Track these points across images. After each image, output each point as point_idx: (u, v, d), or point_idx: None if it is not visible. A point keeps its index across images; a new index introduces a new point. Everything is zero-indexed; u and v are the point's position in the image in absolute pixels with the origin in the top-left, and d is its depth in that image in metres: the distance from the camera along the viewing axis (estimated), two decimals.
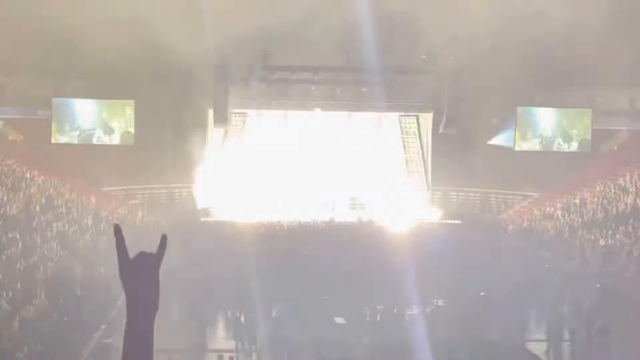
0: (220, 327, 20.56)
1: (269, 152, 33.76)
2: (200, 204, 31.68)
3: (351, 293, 20.53)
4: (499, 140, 34.97)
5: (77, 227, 24.37)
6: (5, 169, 27.27)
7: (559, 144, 34.31)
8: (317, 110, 34.10)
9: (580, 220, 27.05)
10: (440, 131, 34.16)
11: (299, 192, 32.80)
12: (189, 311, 18.94)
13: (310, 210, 31.80)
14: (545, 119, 34.44)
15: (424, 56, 31.86)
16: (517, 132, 34.27)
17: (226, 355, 17.71)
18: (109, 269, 18.56)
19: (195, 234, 26.50)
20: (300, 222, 30.35)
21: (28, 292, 17.25)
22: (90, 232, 24.42)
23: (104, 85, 32.50)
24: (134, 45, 31.83)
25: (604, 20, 28.73)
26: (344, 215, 31.60)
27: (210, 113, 33.39)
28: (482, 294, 20.97)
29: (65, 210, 25.66)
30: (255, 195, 32.38)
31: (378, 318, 19.67)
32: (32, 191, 25.89)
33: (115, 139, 33.43)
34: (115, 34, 29.79)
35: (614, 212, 26.24)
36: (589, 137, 33.89)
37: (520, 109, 34.34)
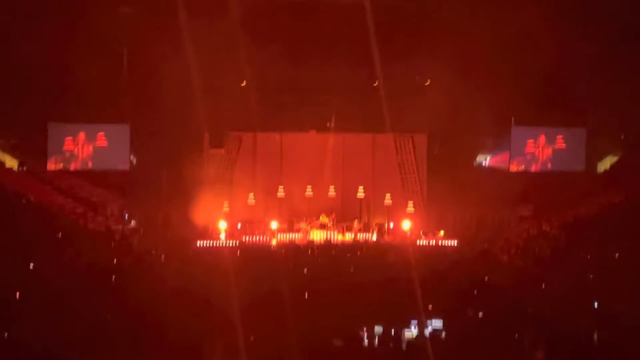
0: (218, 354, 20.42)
1: (264, 172, 33.85)
2: (197, 228, 31.66)
3: (348, 314, 20.46)
4: (494, 160, 35.20)
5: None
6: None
7: (553, 163, 34.44)
8: (313, 132, 34.32)
9: (576, 239, 27.14)
10: (435, 152, 34.42)
11: (295, 213, 32.87)
12: (184, 338, 18.79)
13: (305, 230, 31.88)
14: (540, 139, 34.59)
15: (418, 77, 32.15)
16: (511, 152, 34.41)
17: None
18: None
19: (192, 259, 26.46)
20: (296, 243, 30.50)
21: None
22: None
23: (99, 110, 32.58)
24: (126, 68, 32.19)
25: (597, 43, 29.03)
26: (340, 235, 31.69)
27: (206, 135, 33.58)
28: (479, 314, 20.93)
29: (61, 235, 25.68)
30: (252, 217, 32.47)
31: (376, 340, 19.63)
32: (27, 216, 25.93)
33: (111, 164, 33.42)
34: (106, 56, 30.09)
35: (611, 230, 26.35)
36: (583, 156, 34.03)
37: (514, 129, 34.51)
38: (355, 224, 32.29)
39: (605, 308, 19.79)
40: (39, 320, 17.61)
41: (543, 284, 23.82)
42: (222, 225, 31.78)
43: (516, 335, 19.93)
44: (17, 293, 18.77)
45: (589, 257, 24.71)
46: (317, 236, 31.61)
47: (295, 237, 31.60)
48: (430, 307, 20.76)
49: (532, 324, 20.71)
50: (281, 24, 32.63)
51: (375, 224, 32.80)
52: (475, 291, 22.82)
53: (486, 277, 24.10)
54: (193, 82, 31.15)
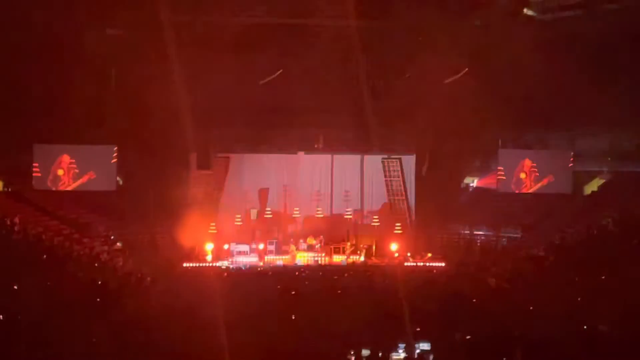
0: None
1: (251, 193, 33.80)
2: (183, 249, 31.48)
3: (335, 337, 20.32)
4: (482, 182, 35.31)
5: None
6: None
7: (541, 185, 34.55)
8: (301, 154, 34.34)
9: (564, 262, 27.11)
10: (423, 173, 34.51)
11: (283, 235, 32.80)
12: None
13: (293, 252, 31.77)
14: (526, 161, 34.71)
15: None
16: (498, 175, 34.51)
17: None
18: None
19: (178, 280, 26.28)
20: (284, 265, 30.39)
21: None
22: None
23: (85, 131, 32.42)
24: (114, 90, 32.11)
25: (581, 63, 29.21)
26: (328, 257, 31.59)
27: (193, 156, 33.53)
28: (467, 337, 20.82)
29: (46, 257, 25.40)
30: (239, 238, 32.36)
31: None
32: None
33: (98, 185, 33.22)
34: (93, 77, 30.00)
35: (598, 252, 26.34)
36: (570, 178, 34.18)
37: (502, 151, 34.64)
38: (348, 246, 32.22)
39: (593, 331, 19.73)
40: (23, 342, 17.39)
41: (531, 307, 23.76)
42: (209, 246, 31.64)
43: (504, 358, 19.86)
44: (1, 315, 18.52)
45: (577, 279, 24.67)
46: (305, 258, 31.49)
47: (283, 258, 31.48)
48: (417, 329, 20.67)
49: (520, 347, 20.64)
50: (269, 46, 32.71)
51: (363, 246, 32.74)
52: (463, 314, 22.74)
53: (474, 300, 24.03)
54: (180, 103, 31.13)
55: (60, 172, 32.92)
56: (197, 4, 31.38)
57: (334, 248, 32.14)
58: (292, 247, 31.98)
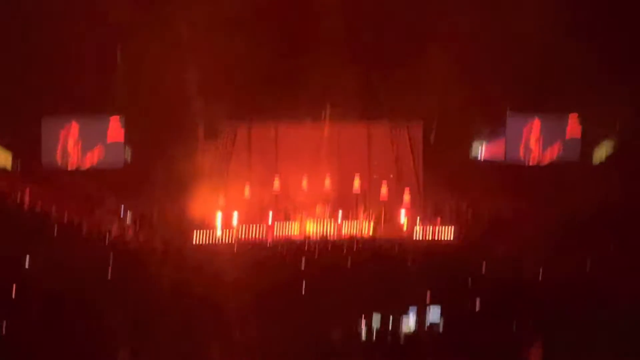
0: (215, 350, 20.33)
1: (259, 165, 33.77)
2: (192, 221, 31.58)
3: (345, 308, 20.43)
4: (491, 150, 35.10)
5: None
6: None
7: (551, 153, 34.37)
8: (307, 123, 34.20)
9: (572, 231, 27.07)
10: (431, 142, 34.37)
11: (291, 206, 32.83)
12: (181, 334, 18.73)
13: (301, 223, 31.85)
14: (536, 127, 34.48)
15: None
16: (508, 143, 34.32)
17: None
18: None
19: (187, 253, 26.40)
20: (292, 238, 30.49)
21: None
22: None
23: (93, 102, 32.37)
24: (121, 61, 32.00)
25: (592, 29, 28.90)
26: (336, 229, 31.67)
27: (201, 128, 33.46)
28: (477, 306, 20.90)
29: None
30: (248, 209, 32.42)
31: (373, 333, 19.61)
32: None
33: (107, 158, 33.21)
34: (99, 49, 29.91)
35: (609, 223, 26.30)
36: (578, 146, 33.95)
37: (510, 119, 34.39)
38: (362, 215, 32.29)
39: (603, 300, 19.74)
40: (35, 318, 17.53)
41: (540, 276, 23.79)
42: (218, 218, 31.72)
43: (514, 327, 19.93)
44: (13, 292, 18.67)
45: (587, 249, 24.66)
46: (313, 229, 31.55)
47: (291, 230, 31.52)
48: (427, 299, 20.74)
49: (530, 316, 20.70)
50: (276, 13, 32.46)
51: (372, 215, 32.75)
52: (472, 282, 22.80)
53: (483, 269, 24.09)
54: (187, 74, 31.03)
55: (70, 144, 32.90)
56: None
57: (343, 218, 32.16)
58: (300, 218, 32.07)
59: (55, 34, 29.25)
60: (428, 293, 20.78)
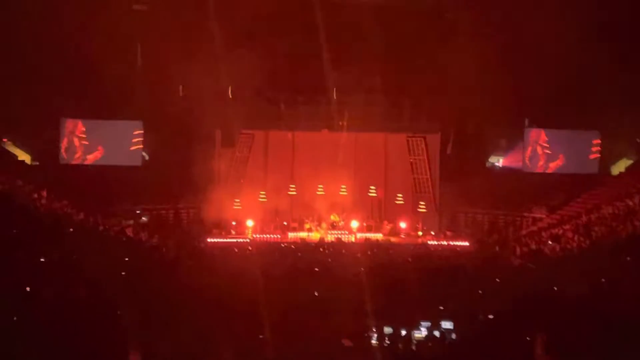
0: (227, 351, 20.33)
1: (276, 170, 33.83)
2: (207, 225, 31.71)
3: (357, 314, 20.37)
4: (507, 161, 35.05)
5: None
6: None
7: (567, 165, 34.23)
8: (325, 131, 34.26)
9: (588, 242, 26.91)
10: (448, 152, 34.33)
11: (306, 211, 32.83)
12: (194, 334, 18.76)
13: (316, 229, 31.88)
14: (553, 140, 34.37)
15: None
16: (524, 153, 34.23)
17: None
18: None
19: (202, 255, 26.47)
20: (307, 241, 30.52)
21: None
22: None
23: (112, 106, 32.59)
24: (140, 66, 32.22)
25: (612, 44, 28.81)
26: (351, 234, 31.66)
27: (218, 133, 33.63)
28: (490, 316, 20.79)
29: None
30: (263, 214, 32.48)
31: (385, 340, 19.52)
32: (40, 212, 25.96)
33: (124, 159, 33.44)
34: (120, 53, 30.11)
35: (625, 234, 26.11)
36: (597, 158, 33.81)
37: (528, 130, 34.32)
38: (385, 224, 32.28)
39: (618, 314, 19.55)
40: (48, 315, 17.61)
41: (555, 287, 23.65)
42: (233, 222, 31.84)
43: (527, 338, 19.76)
44: (27, 288, 18.78)
45: (602, 260, 24.48)
46: (328, 235, 31.59)
47: (306, 235, 31.58)
48: (440, 308, 20.64)
49: (543, 328, 20.50)
50: (294, 23, 32.59)
51: (386, 224, 32.74)
52: (486, 293, 22.68)
53: (497, 279, 23.97)
54: (206, 80, 31.21)
55: (87, 146, 33.10)
56: None
57: (358, 226, 32.15)
58: (316, 224, 32.12)
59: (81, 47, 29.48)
60: (440, 304, 20.72)
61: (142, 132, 33.30)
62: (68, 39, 29.50)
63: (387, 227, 32.49)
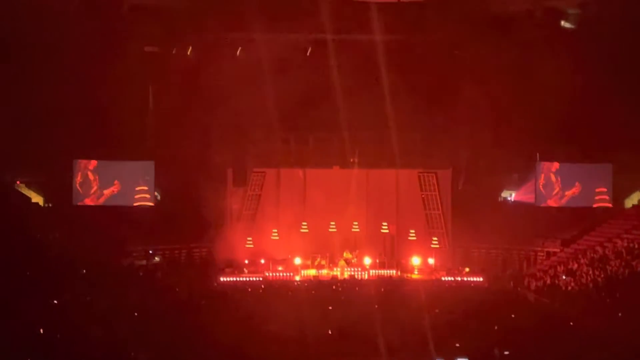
0: None
1: (288, 208, 33.83)
2: (220, 264, 31.67)
3: (373, 351, 20.22)
4: (519, 195, 34.92)
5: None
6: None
7: (580, 199, 34.04)
8: (336, 168, 34.33)
9: (603, 276, 26.67)
10: (459, 187, 34.27)
11: (319, 249, 32.72)
12: None
13: (329, 266, 31.76)
14: (566, 174, 34.25)
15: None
16: (537, 188, 34.10)
17: None
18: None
19: (215, 294, 26.41)
20: (320, 279, 30.38)
21: None
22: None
23: (125, 147, 32.74)
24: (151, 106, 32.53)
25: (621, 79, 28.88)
26: (364, 270, 31.51)
27: (230, 172, 33.74)
28: (505, 352, 20.58)
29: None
30: (275, 252, 32.41)
31: None
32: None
33: (136, 200, 33.55)
34: (132, 95, 30.42)
35: (638, 268, 25.88)
36: (610, 192, 33.66)
37: (539, 165, 34.24)
38: (398, 260, 32.21)
39: (635, 348, 19.33)
40: (62, 355, 17.59)
41: (571, 322, 23.40)
42: (246, 261, 31.79)
43: None
44: (41, 329, 18.77)
45: (618, 294, 24.25)
46: (341, 272, 31.46)
47: (319, 272, 31.47)
48: (457, 344, 20.46)
49: None
50: (304, 61, 32.87)
51: (399, 260, 32.60)
52: (502, 329, 22.48)
53: (512, 315, 23.76)
54: (216, 120, 31.44)
55: (100, 187, 33.21)
56: (230, 23, 31.66)
57: (370, 263, 32.02)
58: (328, 261, 32.04)
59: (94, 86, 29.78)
60: (456, 340, 20.54)
61: (154, 172, 33.39)
62: (80, 81, 29.81)
63: (400, 263, 32.33)
